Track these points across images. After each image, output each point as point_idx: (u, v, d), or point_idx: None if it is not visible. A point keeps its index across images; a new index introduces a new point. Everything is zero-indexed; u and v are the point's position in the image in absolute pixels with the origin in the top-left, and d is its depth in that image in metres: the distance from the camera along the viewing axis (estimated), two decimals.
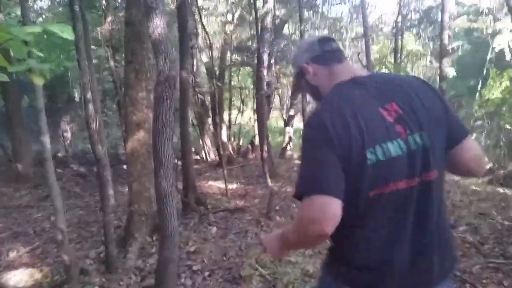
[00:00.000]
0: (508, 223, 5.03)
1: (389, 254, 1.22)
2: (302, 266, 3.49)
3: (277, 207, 5.53)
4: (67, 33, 1.23)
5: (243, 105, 14.10)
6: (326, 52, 1.39)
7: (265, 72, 7.52)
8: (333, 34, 11.44)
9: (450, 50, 12.77)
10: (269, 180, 5.24)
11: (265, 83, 7.70)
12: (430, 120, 1.23)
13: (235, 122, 13.69)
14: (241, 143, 13.39)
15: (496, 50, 12.35)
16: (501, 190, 6.20)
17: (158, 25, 2.19)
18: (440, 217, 1.27)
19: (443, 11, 7.13)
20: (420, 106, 1.23)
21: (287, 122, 12.31)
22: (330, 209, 1.11)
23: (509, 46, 12.00)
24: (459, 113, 10.27)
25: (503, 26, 12.20)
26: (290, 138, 11.91)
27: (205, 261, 3.84)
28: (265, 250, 1.48)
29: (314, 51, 1.39)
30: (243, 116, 14.40)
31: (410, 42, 13.52)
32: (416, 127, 1.20)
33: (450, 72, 11.38)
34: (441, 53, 7.38)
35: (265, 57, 7.53)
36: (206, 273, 3.57)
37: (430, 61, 14.49)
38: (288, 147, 11.83)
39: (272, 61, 10.56)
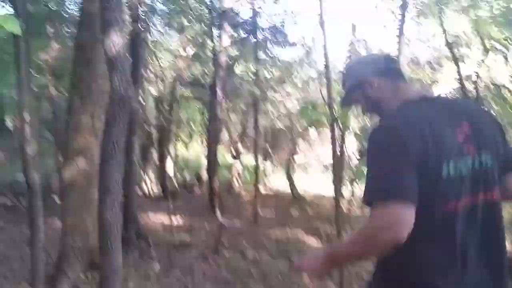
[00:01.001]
0: None
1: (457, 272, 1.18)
2: None
3: (225, 243, 5.33)
4: (11, 25, 1.07)
5: (190, 138, 13.90)
6: (392, 68, 1.41)
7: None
8: (286, 76, 11.80)
9: None
10: (219, 213, 5.06)
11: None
12: (493, 143, 1.27)
13: (181, 156, 13.40)
14: (187, 177, 13.05)
15: None
16: None
17: (115, 41, 2.06)
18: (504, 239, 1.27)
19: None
20: (486, 129, 1.28)
21: (236, 157, 12.24)
22: (407, 214, 1.08)
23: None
24: None
25: (440, 77, 13.26)
26: (238, 174, 11.80)
27: None
28: (302, 269, 1.35)
29: (381, 65, 1.40)
30: (189, 150, 14.17)
31: None
32: (483, 147, 1.24)
33: None
34: None
35: (219, 92, 7.54)
36: None
37: None
38: (236, 183, 11.70)
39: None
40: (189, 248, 5.08)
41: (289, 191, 9.64)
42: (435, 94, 1.43)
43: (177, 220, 6.79)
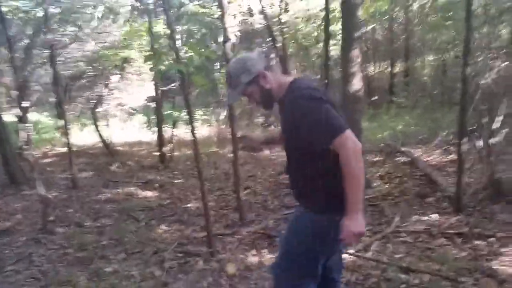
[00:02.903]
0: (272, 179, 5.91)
1: None
2: None
3: (51, 218, 4.65)
4: None
5: None
6: (272, 63, 1.91)
7: None
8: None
9: None
10: (41, 187, 4.29)
11: None
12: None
13: None
14: None
15: None
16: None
17: None
18: None
19: None
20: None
21: (22, 117, 10.37)
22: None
23: None
24: None
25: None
26: (28, 136, 10.09)
27: None
28: (357, 240, 1.76)
29: (266, 61, 1.86)
30: None
31: None
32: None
33: None
34: None
35: None
36: None
37: None
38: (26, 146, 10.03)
39: None
40: (11, 235, 4.24)
41: (101, 145, 8.91)
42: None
43: None
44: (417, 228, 4.00)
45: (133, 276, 3.19)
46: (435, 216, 4.30)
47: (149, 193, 5.76)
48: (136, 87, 10.90)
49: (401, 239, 3.79)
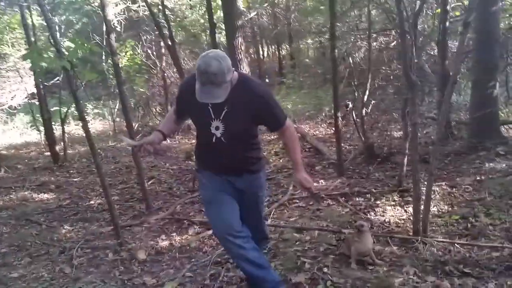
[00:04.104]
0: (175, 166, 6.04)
1: None
2: None
3: None
4: None
5: None
6: None
7: None
8: None
9: None
10: None
11: None
12: None
13: None
14: None
15: None
16: None
17: None
18: None
19: None
20: None
21: None
22: None
23: None
24: None
25: None
26: None
27: None
28: (313, 187, 2.42)
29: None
30: None
31: None
32: None
33: None
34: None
35: None
36: None
37: None
38: None
39: None
40: None
41: None
42: None
43: None
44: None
45: (42, 276, 3.13)
46: (322, 182, 4.89)
47: (45, 196, 5.47)
48: (14, 84, 9.96)
49: (295, 205, 4.28)
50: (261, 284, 2.39)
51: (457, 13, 6.27)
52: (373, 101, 6.22)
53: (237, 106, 2.10)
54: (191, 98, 2.09)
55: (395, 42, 7.70)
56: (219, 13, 7.23)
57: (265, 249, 2.89)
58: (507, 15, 6.27)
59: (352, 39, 7.13)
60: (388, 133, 6.11)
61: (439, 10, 5.70)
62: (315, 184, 4.75)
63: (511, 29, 6.12)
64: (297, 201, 4.37)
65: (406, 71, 3.08)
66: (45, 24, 4.37)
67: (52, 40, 3.66)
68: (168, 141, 7.69)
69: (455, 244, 2.93)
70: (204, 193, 2.46)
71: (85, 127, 3.63)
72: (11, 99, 10.09)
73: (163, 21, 6.96)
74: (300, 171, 2.31)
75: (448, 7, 5.58)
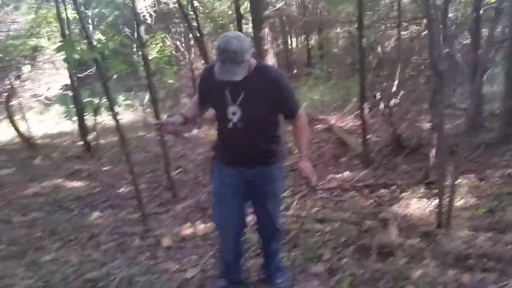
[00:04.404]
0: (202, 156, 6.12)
1: None
2: None
3: None
4: None
5: None
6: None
7: None
8: None
9: None
10: None
11: None
12: None
13: None
14: None
15: None
16: None
17: None
18: None
19: None
20: None
21: None
22: None
23: None
24: None
25: None
26: None
27: None
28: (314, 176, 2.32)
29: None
30: None
31: None
32: None
33: None
34: None
35: None
36: None
37: None
38: None
39: None
40: None
41: (19, 140, 8.48)
42: None
43: None
44: (331, 185, 4.52)
45: (71, 261, 3.29)
46: (347, 173, 4.86)
47: (77, 183, 5.71)
48: (50, 76, 10.35)
49: (318, 196, 4.28)
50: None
51: (493, 0, 6.02)
52: (402, 92, 6.08)
53: (255, 91, 2.14)
54: (210, 83, 2.20)
55: (426, 31, 7.49)
56: (247, 4, 7.24)
57: (277, 247, 2.70)
58: None
59: (381, 28, 6.98)
60: (418, 124, 5.98)
61: None
62: (339, 175, 4.81)
63: None
64: (321, 192, 4.37)
65: (433, 60, 3.01)
66: (78, 17, 4.54)
67: (84, 33, 3.81)
68: (195, 131, 7.82)
69: (479, 238, 2.87)
70: (213, 184, 2.51)
71: (115, 118, 3.76)
72: (47, 90, 10.50)
73: (191, 13, 7.05)
74: (304, 160, 2.31)
75: None
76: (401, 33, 5.89)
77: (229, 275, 2.61)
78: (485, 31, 5.98)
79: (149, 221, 3.90)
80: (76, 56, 3.85)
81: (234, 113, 2.18)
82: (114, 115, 3.79)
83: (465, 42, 6.73)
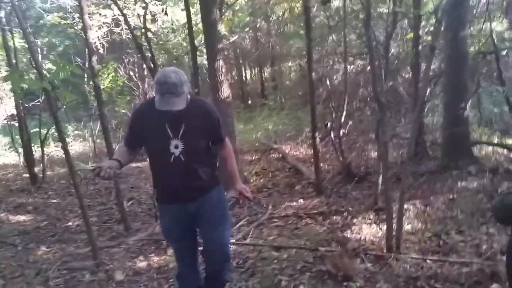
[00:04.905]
0: None
1: None
2: None
3: None
4: None
5: None
6: None
7: None
8: None
9: None
10: None
11: None
12: None
13: None
14: None
15: None
16: None
17: None
18: None
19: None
20: None
21: None
22: None
23: None
24: None
25: None
26: None
27: None
28: (248, 196, 2.45)
29: None
30: None
31: None
32: None
33: None
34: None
35: None
36: None
37: None
38: None
39: None
40: None
41: None
42: None
43: None
44: (287, 212, 4.59)
45: None
46: (301, 201, 4.97)
47: (22, 217, 5.39)
48: None
49: (274, 224, 4.33)
50: None
51: (430, 38, 6.55)
52: (350, 122, 6.38)
53: (194, 123, 2.23)
54: (148, 118, 2.24)
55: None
56: (201, 36, 7.39)
57: (227, 278, 2.70)
58: (476, 41, 6.57)
59: (330, 63, 7.35)
60: (366, 153, 6.26)
61: (411, 34, 5.97)
62: (294, 203, 4.90)
63: (480, 53, 6.40)
64: (276, 220, 4.42)
65: (376, 93, 3.22)
66: (27, 46, 4.38)
67: (33, 62, 3.71)
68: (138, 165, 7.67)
69: (427, 260, 3.02)
70: (162, 228, 2.52)
71: (65, 148, 3.64)
72: None
73: (145, 43, 7.07)
74: (239, 181, 2.48)
75: (420, 32, 5.86)
76: (348, 67, 6.22)
77: None
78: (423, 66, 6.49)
79: (100, 255, 3.74)
80: (25, 86, 3.74)
81: (176, 146, 2.21)
82: (64, 146, 3.68)
83: (407, 76, 7.22)
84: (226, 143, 2.46)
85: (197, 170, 2.28)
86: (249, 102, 13.76)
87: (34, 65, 3.70)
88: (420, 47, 5.84)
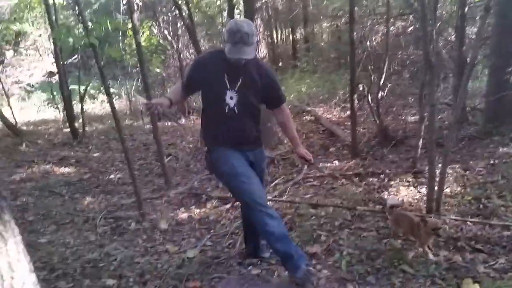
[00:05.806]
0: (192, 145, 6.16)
1: None
2: None
3: None
4: None
5: None
6: None
7: None
8: None
9: None
10: None
11: None
12: None
13: None
14: None
15: None
16: None
17: None
18: None
19: None
20: None
21: None
22: None
23: None
24: None
25: None
26: None
27: None
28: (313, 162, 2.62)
29: None
30: None
31: None
32: None
33: None
34: None
35: None
36: None
37: None
38: None
39: None
40: None
41: (1, 126, 8.29)
42: None
43: None
44: (322, 173, 4.63)
45: (69, 242, 3.31)
46: (336, 162, 4.99)
47: (66, 169, 5.67)
48: (32, 62, 10.13)
49: (309, 183, 4.39)
50: (286, 258, 2.38)
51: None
52: (388, 85, 6.24)
53: (251, 79, 2.33)
54: (208, 69, 2.33)
55: (412, 27, 7.68)
56: None
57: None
58: None
59: (369, 23, 7.11)
60: (403, 117, 6.15)
61: None
62: (329, 164, 4.93)
63: None
64: (311, 180, 4.48)
65: (427, 53, 3.13)
66: (64, 3, 4.50)
67: (80, 18, 3.78)
68: (183, 121, 7.82)
69: (467, 222, 3.02)
70: (225, 168, 2.38)
71: (111, 103, 3.76)
72: (29, 77, 10.28)
73: (182, 1, 7.01)
74: (300, 146, 2.56)
75: None
76: (389, 28, 6.01)
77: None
78: (469, 29, 6.21)
79: (143, 206, 3.93)
80: (71, 40, 3.83)
81: (231, 97, 2.32)
82: (110, 100, 3.80)
83: (449, 38, 6.93)
84: (285, 107, 2.51)
85: (248, 124, 2.40)
86: (280, 64, 13.56)
87: (81, 20, 3.78)
88: (466, 8, 5.55)
